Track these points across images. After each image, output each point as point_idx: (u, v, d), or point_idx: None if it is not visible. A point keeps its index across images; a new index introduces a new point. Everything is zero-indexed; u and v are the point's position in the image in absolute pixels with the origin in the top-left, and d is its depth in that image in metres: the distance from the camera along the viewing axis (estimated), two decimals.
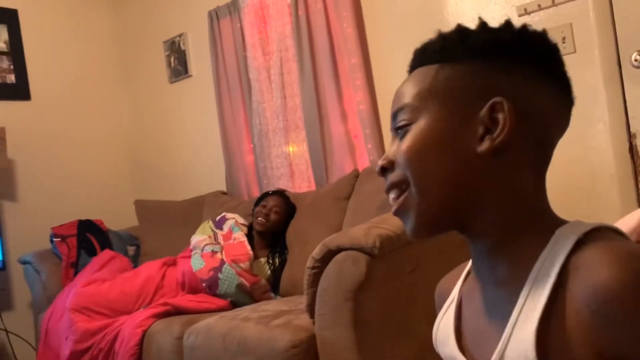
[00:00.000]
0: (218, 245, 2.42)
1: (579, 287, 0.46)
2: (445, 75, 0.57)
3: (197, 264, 2.34)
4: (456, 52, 0.57)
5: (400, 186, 0.58)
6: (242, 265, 2.31)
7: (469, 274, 0.64)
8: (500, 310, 0.54)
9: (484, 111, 0.55)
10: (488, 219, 0.55)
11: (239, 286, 2.24)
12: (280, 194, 2.57)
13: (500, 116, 0.54)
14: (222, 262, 2.30)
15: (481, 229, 0.56)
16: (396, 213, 0.59)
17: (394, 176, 0.59)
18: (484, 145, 0.55)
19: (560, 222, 0.54)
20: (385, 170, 0.60)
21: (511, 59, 0.57)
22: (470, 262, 0.65)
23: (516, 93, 0.55)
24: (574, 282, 0.47)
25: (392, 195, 0.59)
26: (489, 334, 0.55)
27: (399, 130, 0.59)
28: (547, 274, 0.49)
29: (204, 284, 2.27)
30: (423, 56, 0.60)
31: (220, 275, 2.26)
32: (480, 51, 0.57)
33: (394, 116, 0.60)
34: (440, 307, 0.68)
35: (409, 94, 0.59)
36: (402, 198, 0.58)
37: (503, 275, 0.55)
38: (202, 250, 2.41)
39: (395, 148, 0.59)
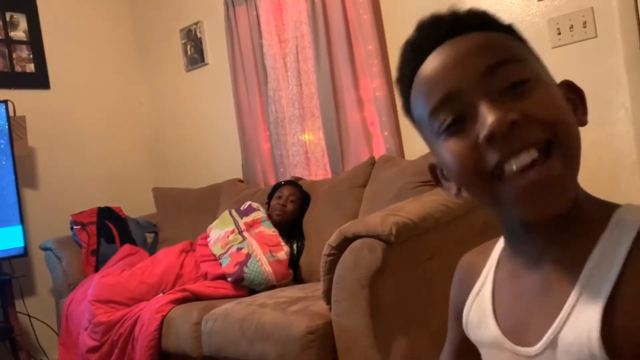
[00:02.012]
0: (244, 242, 2.35)
1: None
2: (519, 45, 0.56)
3: (225, 261, 2.31)
4: (499, 26, 0.57)
5: (542, 143, 0.49)
6: (277, 255, 2.27)
7: (503, 257, 0.62)
8: (552, 294, 0.53)
9: (562, 89, 0.56)
10: (577, 196, 0.53)
11: (264, 282, 2.21)
12: (293, 183, 2.57)
13: (577, 97, 0.56)
14: (248, 257, 2.25)
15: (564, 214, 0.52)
16: (541, 182, 0.49)
17: (533, 132, 0.49)
18: (584, 119, 0.56)
19: (609, 205, 0.54)
20: (514, 125, 0.49)
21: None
22: (499, 244, 0.63)
23: None
24: None
25: (530, 155, 0.49)
26: (536, 318, 0.53)
27: (513, 87, 0.51)
28: (613, 257, 0.48)
29: (229, 279, 2.24)
30: (462, 25, 0.56)
31: (245, 269, 2.22)
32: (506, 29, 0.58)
33: (492, 69, 0.52)
34: (463, 282, 0.66)
35: (509, 49, 0.54)
36: (551, 161, 0.49)
37: (557, 259, 0.54)
38: (228, 252, 2.36)
39: (518, 104, 0.50)
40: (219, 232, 2.49)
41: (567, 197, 0.50)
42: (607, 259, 0.49)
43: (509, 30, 0.57)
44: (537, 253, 0.56)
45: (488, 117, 0.50)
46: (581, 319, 0.49)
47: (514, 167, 0.49)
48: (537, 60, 0.57)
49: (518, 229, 0.57)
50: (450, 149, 0.54)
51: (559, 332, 0.50)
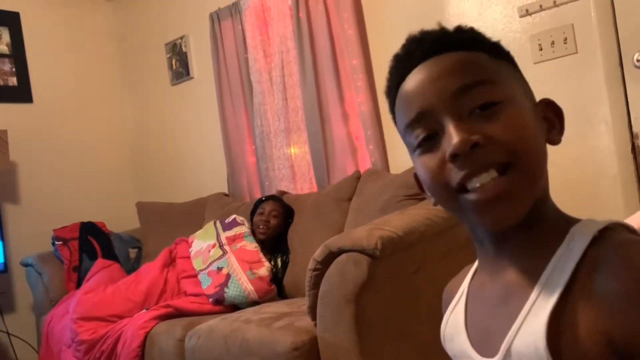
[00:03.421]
0: (224, 259, 2.35)
1: (602, 279, 0.47)
2: (497, 64, 0.58)
3: (205, 282, 2.31)
4: (482, 45, 0.59)
5: (501, 165, 0.53)
6: (258, 272, 2.26)
7: (477, 271, 0.65)
8: (510, 304, 0.55)
9: (541, 108, 0.59)
10: (543, 211, 0.56)
11: (246, 298, 2.19)
12: (274, 197, 2.57)
13: (551, 115, 0.59)
14: (228, 277, 2.25)
15: (526, 225, 0.55)
16: (498, 195, 0.52)
17: (494, 154, 0.53)
18: (557, 138, 0.59)
19: (573, 220, 0.56)
20: (475, 147, 0.53)
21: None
22: (477, 262, 0.66)
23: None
24: (594, 275, 0.48)
25: (490, 175, 0.53)
26: (497, 327, 0.55)
27: (483, 108, 0.54)
28: (563, 269, 0.50)
29: (210, 299, 2.23)
30: (446, 43, 0.58)
31: (226, 290, 2.21)
32: (492, 47, 0.60)
33: (462, 91, 0.55)
34: (445, 308, 0.68)
35: (481, 71, 0.56)
36: (508, 178, 0.52)
37: (517, 271, 0.56)
38: (208, 268, 2.36)
39: (485, 127, 0.53)
40: (201, 245, 2.48)
41: (520, 210, 0.54)
42: (558, 271, 0.51)
43: (494, 48, 0.59)
44: (500, 262, 0.58)
45: (453, 137, 0.53)
46: (530, 329, 0.50)
47: (477, 184, 0.53)
48: (515, 79, 0.59)
49: (484, 238, 0.60)
50: (422, 164, 0.58)
51: (512, 342, 0.52)
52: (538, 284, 0.52)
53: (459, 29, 0.60)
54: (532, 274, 0.53)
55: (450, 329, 0.64)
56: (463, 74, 0.55)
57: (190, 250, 2.50)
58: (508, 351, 0.52)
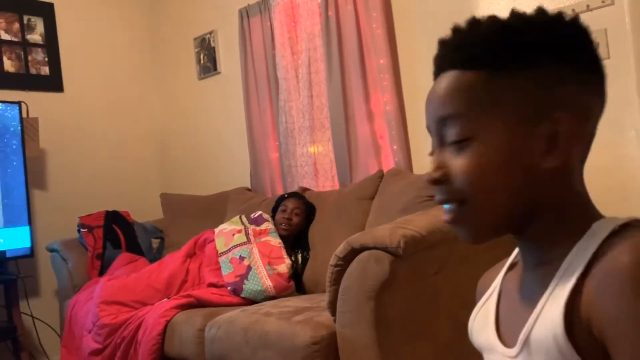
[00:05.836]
0: (246, 248, 2.39)
1: (598, 271, 0.49)
2: (500, 87, 0.56)
3: (226, 268, 2.35)
4: (503, 61, 0.56)
5: (456, 201, 0.58)
6: (277, 268, 2.29)
7: (513, 266, 0.66)
8: (533, 294, 0.56)
9: (546, 126, 0.55)
10: (545, 222, 0.58)
11: (264, 293, 2.22)
12: (296, 195, 2.58)
13: (565, 131, 0.55)
14: (249, 269, 2.28)
15: (535, 230, 0.58)
16: (449, 223, 0.60)
17: (449, 191, 0.58)
18: (551, 162, 0.55)
19: (600, 216, 0.57)
20: (438, 182, 0.59)
21: (561, 64, 0.56)
22: (512, 256, 0.67)
23: (573, 100, 0.56)
24: (597, 267, 0.50)
25: (445, 207, 0.60)
26: (521, 316, 0.57)
27: (455, 144, 0.57)
28: (579, 261, 0.52)
29: (229, 288, 2.28)
30: (458, 58, 0.58)
31: (245, 282, 2.25)
32: (530, 59, 0.55)
33: (441, 122, 0.59)
34: (478, 300, 0.69)
35: (458, 102, 0.57)
36: (457, 212, 0.58)
37: (542, 262, 0.58)
38: (229, 253, 2.40)
39: (451, 161, 0.58)
40: (226, 227, 2.54)
41: (475, 237, 0.59)
42: (574, 264, 0.52)
43: (498, 59, 0.56)
44: (529, 258, 0.61)
45: (431, 165, 0.60)
46: (548, 318, 0.52)
47: (444, 206, 0.60)
48: (502, 103, 0.56)
49: (517, 240, 0.62)
50: None
51: (530, 331, 0.54)
52: (557, 274, 0.53)
53: (470, 40, 0.58)
54: (554, 266, 0.54)
55: (479, 323, 0.66)
56: (444, 104, 0.59)
57: (215, 230, 2.56)
58: (527, 340, 0.54)
